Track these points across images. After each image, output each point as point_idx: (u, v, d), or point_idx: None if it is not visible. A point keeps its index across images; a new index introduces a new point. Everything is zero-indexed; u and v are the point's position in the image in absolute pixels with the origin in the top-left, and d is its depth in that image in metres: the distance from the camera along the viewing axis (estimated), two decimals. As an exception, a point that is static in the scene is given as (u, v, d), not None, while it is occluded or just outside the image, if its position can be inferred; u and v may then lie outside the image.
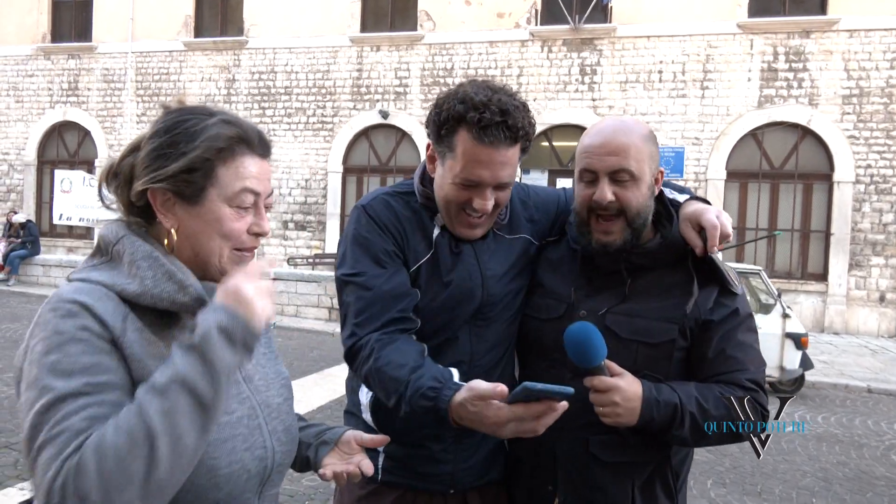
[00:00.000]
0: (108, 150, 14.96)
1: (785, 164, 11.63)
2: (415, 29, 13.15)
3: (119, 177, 1.05)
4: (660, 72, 11.90)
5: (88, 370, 0.90)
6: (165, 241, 1.03)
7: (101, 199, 1.08)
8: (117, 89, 14.88)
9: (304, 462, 1.26)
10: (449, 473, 1.53)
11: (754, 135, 11.64)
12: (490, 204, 1.42)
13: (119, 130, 14.86)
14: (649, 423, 1.34)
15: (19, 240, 13.74)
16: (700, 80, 11.74)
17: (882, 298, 11.03)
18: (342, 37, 13.42)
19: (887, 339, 10.93)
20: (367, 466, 1.22)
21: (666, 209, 1.51)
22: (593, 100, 12.19)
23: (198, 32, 14.42)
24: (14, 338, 8.38)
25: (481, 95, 1.36)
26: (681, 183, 11.90)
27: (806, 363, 6.91)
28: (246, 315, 0.93)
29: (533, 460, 1.54)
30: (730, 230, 1.41)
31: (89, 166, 15.09)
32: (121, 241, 1.02)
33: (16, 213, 14.28)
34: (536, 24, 12.45)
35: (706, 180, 11.70)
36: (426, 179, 1.53)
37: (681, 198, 1.55)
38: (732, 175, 11.73)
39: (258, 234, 1.05)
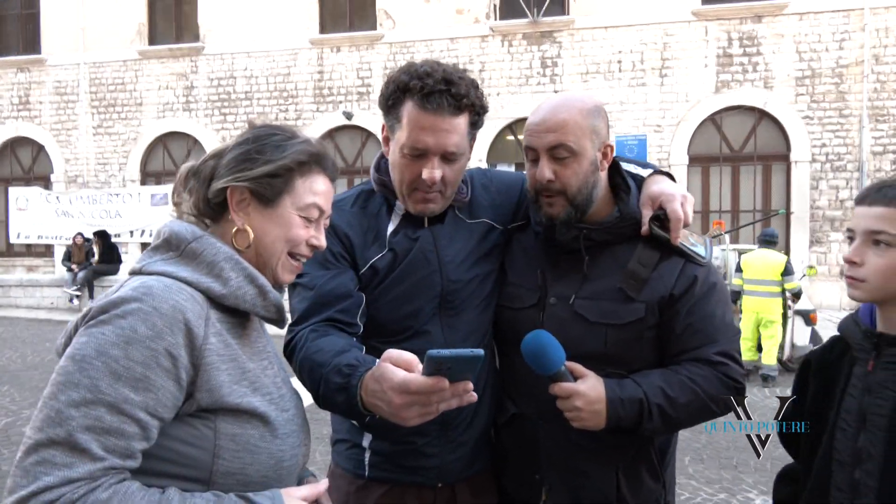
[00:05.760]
0: (64, 164, 14.53)
1: (744, 147, 11.91)
2: (374, 28, 13.07)
3: (199, 176, 1.10)
4: (619, 61, 12.06)
5: (140, 383, 0.90)
6: (234, 241, 1.07)
7: (173, 200, 1.13)
8: (71, 101, 14.45)
9: None
10: (435, 467, 1.49)
11: (713, 119, 11.89)
12: (438, 174, 1.39)
13: (75, 143, 14.44)
14: (618, 423, 1.32)
15: (-24, 262, 13.31)
16: (658, 67, 11.93)
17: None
18: (301, 39, 13.26)
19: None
20: None
21: (625, 182, 1.49)
22: (555, 91, 12.29)
23: (152, 40, 14.08)
24: (-23, 362, 8.08)
25: (426, 67, 1.38)
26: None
27: (816, 339, 7.04)
28: None
29: (518, 450, 1.53)
30: (690, 219, 1.42)
31: (45, 182, 14.65)
32: (199, 240, 1.04)
33: (-30, 234, 13.82)
34: (496, 20, 12.49)
35: (669, 166, 11.88)
36: (382, 167, 1.53)
37: (644, 172, 1.53)
38: (694, 160, 11.97)
39: (314, 247, 1.13)
